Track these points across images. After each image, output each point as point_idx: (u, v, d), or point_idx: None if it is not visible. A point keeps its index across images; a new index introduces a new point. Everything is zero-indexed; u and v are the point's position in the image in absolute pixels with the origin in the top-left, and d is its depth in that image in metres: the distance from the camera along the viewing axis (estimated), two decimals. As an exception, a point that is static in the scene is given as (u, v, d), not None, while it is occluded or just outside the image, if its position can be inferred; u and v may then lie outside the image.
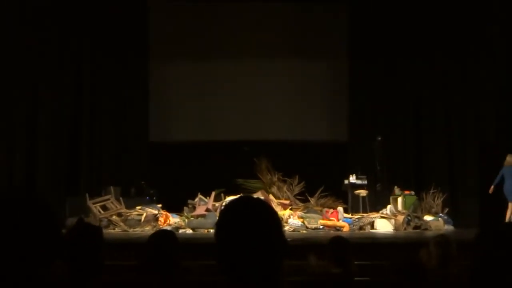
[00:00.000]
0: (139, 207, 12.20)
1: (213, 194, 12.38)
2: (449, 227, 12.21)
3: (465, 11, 13.68)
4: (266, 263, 1.73)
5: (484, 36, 13.61)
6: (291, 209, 12.32)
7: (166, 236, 3.92)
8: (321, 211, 12.27)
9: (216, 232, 1.78)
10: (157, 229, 10.15)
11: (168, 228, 11.19)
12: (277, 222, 1.80)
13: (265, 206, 1.81)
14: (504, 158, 11.96)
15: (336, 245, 4.93)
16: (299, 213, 12.06)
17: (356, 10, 14.53)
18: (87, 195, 12.33)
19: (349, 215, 12.20)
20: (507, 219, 11.60)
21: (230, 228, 1.75)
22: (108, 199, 12.32)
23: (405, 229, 11.67)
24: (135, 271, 4.01)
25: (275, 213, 1.83)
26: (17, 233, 1.65)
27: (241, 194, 12.48)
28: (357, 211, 12.45)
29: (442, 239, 4.84)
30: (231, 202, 1.83)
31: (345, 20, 14.70)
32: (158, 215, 11.79)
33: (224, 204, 11.21)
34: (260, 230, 1.74)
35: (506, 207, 11.79)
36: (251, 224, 1.74)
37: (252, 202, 1.82)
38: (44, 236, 1.68)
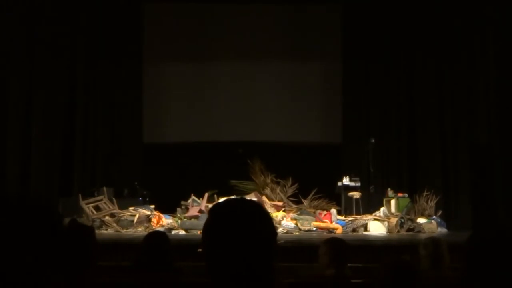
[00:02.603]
0: (132, 208, 12.18)
1: (206, 195, 12.37)
2: (442, 230, 12.22)
3: (459, 14, 13.70)
4: (256, 264, 1.71)
5: (477, 39, 13.64)
6: (284, 211, 12.31)
7: (160, 237, 3.91)
8: (314, 213, 12.26)
9: (204, 233, 1.76)
10: (150, 230, 10.18)
11: (161, 229, 11.19)
12: (268, 222, 1.78)
13: (256, 207, 1.78)
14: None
15: (333, 246, 4.92)
16: (292, 215, 12.05)
17: (350, 11, 14.54)
18: (80, 195, 12.31)
19: (343, 217, 12.19)
20: None
21: (218, 229, 1.73)
22: (101, 200, 12.30)
23: (398, 231, 11.66)
24: (129, 272, 4.00)
25: (266, 213, 1.80)
26: (18, 235, 1.63)
27: (234, 196, 12.50)
28: (350, 213, 12.45)
29: (430, 241, 4.85)
30: (219, 203, 1.81)
31: (339, 22, 14.70)
32: (151, 216, 11.77)
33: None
34: (249, 230, 1.72)
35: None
36: (239, 224, 1.72)
37: (242, 203, 1.79)
38: (45, 238, 1.66)
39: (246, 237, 1.71)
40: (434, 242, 4.84)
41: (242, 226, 1.72)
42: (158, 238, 3.93)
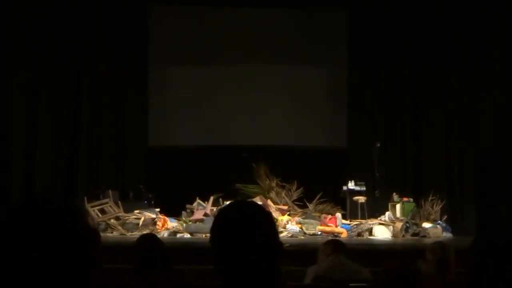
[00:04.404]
0: (137, 211, 12.18)
1: (211, 198, 12.38)
2: (447, 234, 12.20)
3: (464, 20, 13.69)
4: (261, 265, 1.73)
5: (482, 45, 13.63)
6: (289, 215, 12.31)
7: (151, 240, 3.90)
8: (319, 217, 12.26)
9: (211, 237, 1.79)
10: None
11: (166, 232, 11.21)
12: (271, 224, 1.80)
13: (258, 209, 1.81)
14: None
15: (330, 243, 5.17)
16: (297, 218, 12.05)
17: (355, 17, 14.53)
18: (85, 198, 12.33)
19: (348, 221, 12.18)
20: None
21: (224, 232, 1.76)
22: (106, 203, 12.31)
23: (403, 236, 11.65)
24: (129, 274, 4.01)
25: (269, 215, 1.84)
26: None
27: (239, 199, 12.52)
28: (355, 218, 12.44)
29: (437, 246, 4.86)
30: (225, 206, 1.84)
31: (344, 27, 14.70)
32: (156, 219, 11.78)
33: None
34: (253, 232, 1.75)
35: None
36: (244, 227, 1.75)
37: (246, 205, 1.83)
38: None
39: (250, 237, 1.73)
40: (442, 247, 4.85)
41: (246, 227, 1.75)
42: (149, 240, 3.93)
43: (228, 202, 9.82)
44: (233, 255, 1.73)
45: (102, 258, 3.05)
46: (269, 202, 12.64)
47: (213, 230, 1.80)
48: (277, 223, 11.36)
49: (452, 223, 12.74)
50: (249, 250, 1.73)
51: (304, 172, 13.63)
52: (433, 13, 13.90)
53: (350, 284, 4.78)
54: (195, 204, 12.50)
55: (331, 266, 4.95)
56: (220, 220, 1.80)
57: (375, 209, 12.81)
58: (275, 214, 12.04)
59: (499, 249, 2.11)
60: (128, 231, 11.56)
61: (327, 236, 11.47)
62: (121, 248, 8.19)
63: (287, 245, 8.62)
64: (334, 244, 5.32)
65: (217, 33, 14.68)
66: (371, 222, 12.00)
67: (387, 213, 12.39)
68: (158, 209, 12.40)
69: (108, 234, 11.43)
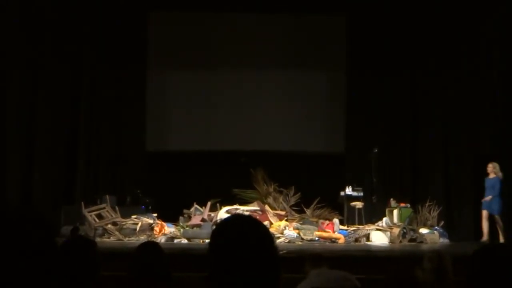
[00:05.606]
0: (134, 216, 12.17)
1: (208, 204, 12.37)
2: (444, 240, 12.21)
3: (463, 25, 13.71)
4: (259, 280, 1.73)
5: (481, 51, 13.65)
6: (286, 220, 12.30)
7: (150, 249, 3.90)
8: (316, 222, 12.25)
9: (209, 251, 1.78)
10: (152, 239, 10.20)
11: (163, 237, 11.19)
12: (270, 239, 1.80)
13: (256, 224, 1.81)
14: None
15: (311, 255, 5.29)
16: (294, 224, 12.04)
17: (354, 22, 14.55)
18: (82, 203, 12.31)
19: (345, 227, 12.19)
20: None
21: (222, 248, 1.76)
22: (104, 208, 12.29)
23: (400, 241, 11.66)
24: (124, 282, 4.01)
25: (267, 230, 1.83)
26: (14, 248, 1.61)
27: (237, 204, 12.52)
28: (352, 223, 12.45)
29: (434, 254, 4.87)
30: (222, 222, 1.84)
31: (343, 32, 14.71)
32: (154, 224, 11.77)
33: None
34: (251, 248, 1.74)
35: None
36: (242, 242, 1.75)
37: (243, 220, 1.82)
38: (41, 251, 1.65)
39: (247, 252, 1.73)
40: (439, 255, 4.86)
41: (244, 242, 1.75)
42: (149, 249, 3.93)
43: (226, 208, 9.77)
44: (231, 270, 1.73)
45: (99, 268, 3.04)
46: (267, 207, 12.63)
47: (211, 245, 1.79)
48: (274, 229, 11.37)
49: (449, 229, 12.75)
50: (247, 265, 1.72)
51: (301, 177, 13.65)
52: (432, 18, 13.92)
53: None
54: (192, 209, 12.49)
55: (314, 280, 5.04)
56: (218, 235, 1.80)
57: (372, 215, 12.82)
58: (273, 220, 12.04)
59: (498, 257, 2.11)
60: (125, 236, 11.55)
61: (325, 241, 11.49)
62: (118, 254, 8.17)
63: (284, 251, 8.59)
64: (312, 259, 5.44)
65: (216, 38, 14.69)
66: (368, 227, 12.01)
67: (384, 218, 12.40)
68: (155, 214, 12.40)
69: (105, 239, 11.42)
